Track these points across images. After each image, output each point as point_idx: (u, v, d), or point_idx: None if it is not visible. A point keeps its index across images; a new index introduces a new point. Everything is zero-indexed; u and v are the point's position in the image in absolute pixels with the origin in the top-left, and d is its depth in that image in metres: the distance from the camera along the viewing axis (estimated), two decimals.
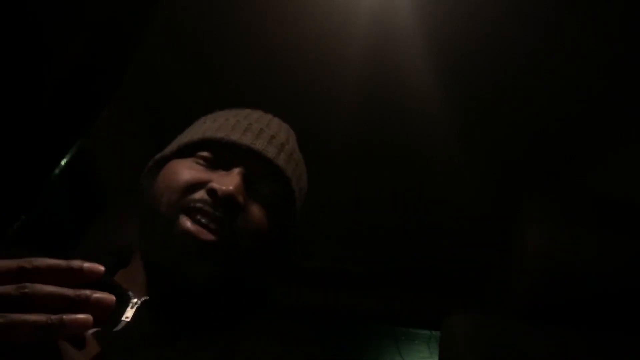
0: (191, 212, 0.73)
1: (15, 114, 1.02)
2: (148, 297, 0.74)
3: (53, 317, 0.47)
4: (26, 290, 0.49)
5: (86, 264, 0.53)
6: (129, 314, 0.71)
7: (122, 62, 1.17)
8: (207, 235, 0.71)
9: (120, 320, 0.70)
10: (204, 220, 0.72)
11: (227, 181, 0.74)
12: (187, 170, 0.77)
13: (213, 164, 0.79)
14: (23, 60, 0.98)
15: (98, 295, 0.51)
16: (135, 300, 0.73)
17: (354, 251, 2.04)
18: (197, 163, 0.79)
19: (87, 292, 0.51)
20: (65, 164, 1.16)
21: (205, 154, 0.79)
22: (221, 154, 0.79)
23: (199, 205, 0.73)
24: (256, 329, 0.78)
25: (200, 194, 0.74)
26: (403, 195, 1.84)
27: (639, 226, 1.05)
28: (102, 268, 0.54)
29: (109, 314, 0.52)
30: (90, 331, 0.53)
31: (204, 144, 0.80)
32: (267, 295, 0.91)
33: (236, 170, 0.77)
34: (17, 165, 1.09)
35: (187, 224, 0.71)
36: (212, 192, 0.73)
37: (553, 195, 1.12)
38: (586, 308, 1.01)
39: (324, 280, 2.01)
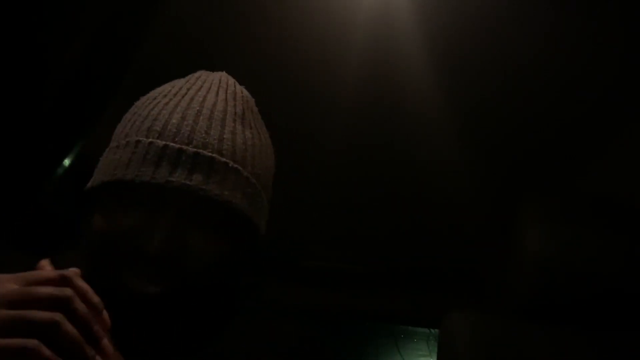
0: (131, 267, 0.66)
1: (16, 116, 1.02)
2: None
3: None
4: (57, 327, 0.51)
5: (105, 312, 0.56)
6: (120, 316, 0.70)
7: (121, 63, 1.17)
8: (152, 288, 0.65)
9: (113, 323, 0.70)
10: (145, 273, 0.66)
11: (153, 231, 0.66)
12: (112, 223, 0.68)
13: (140, 202, 0.68)
14: (24, 63, 0.98)
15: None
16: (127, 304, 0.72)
17: (354, 251, 2.04)
18: (122, 208, 0.68)
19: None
20: (65, 165, 1.16)
21: (127, 196, 0.69)
22: (144, 194, 0.68)
23: (135, 262, 0.66)
24: (254, 331, 0.77)
25: (132, 251, 0.66)
26: (403, 195, 1.84)
27: (639, 226, 1.05)
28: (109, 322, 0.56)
29: None
30: None
31: (120, 185, 0.68)
32: (260, 294, 0.88)
33: (166, 213, 0.67)
34: (18, 167, 1.09)
35: (130, 279, 0.65)
36: (139, 250, 0.66)
37: (553, 195, 1.12)
38: (585, 307, 1.01)
39: (324, 280, 2.01)
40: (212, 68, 0.85)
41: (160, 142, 0.68)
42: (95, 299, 0.55)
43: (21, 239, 1.19)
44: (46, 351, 0.49)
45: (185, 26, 1.40)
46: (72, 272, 0.56)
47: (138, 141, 0.69)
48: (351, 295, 2.03)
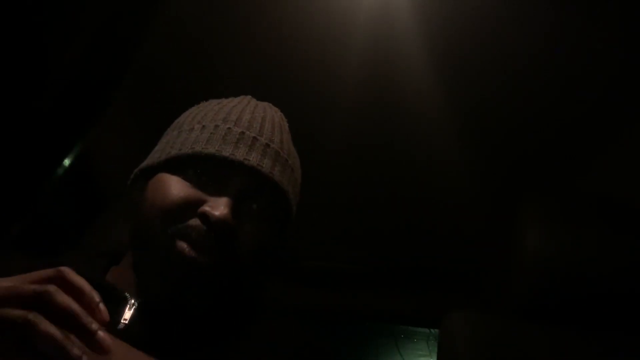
0: (186, 237, 0.70)
1: (16, 116, 1.02)
2: (144, 299, 0.73)
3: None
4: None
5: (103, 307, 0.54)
6: (127, 315, 0.70)
7: (121, 63, 1.17)
8: (205, 259, 0.69)
9: (119, 323, 0.69)
10: (200, 245, 0.70)
11: (220, 204, 0.70)
12: (177, 190, 0.73)
13: (205, 179, 0.74)
14: (24, 62, 0.98)
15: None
16: (132, 301, 0.72)
17: (354, 251, 2.04)
18: (187, 179, 0.74)
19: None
20: (65, 165, 1.16)
21: (195, 169, 0.74)
22: (213, 169, 0.74)
23: (192, 231, 0.70)
24: (257, 330, 0.78)
25: (194, 221, 0.71)
26: (403, 194, 1.84)
27: (639, 226, 1.05)
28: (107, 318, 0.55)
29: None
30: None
31: (194, 158, 0.74)
32: (264, 294, 0.89)
33: (229, 189, 0.73)
34: (18, 167, 1.09)
35: (185, 248, 0.69)
36: (204, 218, 0.70)
37: (553, 195, 1.12)
38: (585, 308, 1.01)
39: (324, 280, 2.01)
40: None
41: (238, 129, 0.76)
42: (91, 292, 0.54)
43: (21, 240, 1.19)
44: (22, 351, 0.49)
45: (185, 26, 1.40)
46: (66, 268, 0.55)
47: (216, 125, 0.76)
48: (351, 295, 2.03)
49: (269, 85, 1.49)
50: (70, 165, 1.20)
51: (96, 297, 0.54)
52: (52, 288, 0.52)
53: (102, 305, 0.54)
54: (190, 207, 0.72)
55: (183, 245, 0.70)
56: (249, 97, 0.87)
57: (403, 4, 1.27)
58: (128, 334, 0.66)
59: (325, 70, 1.46)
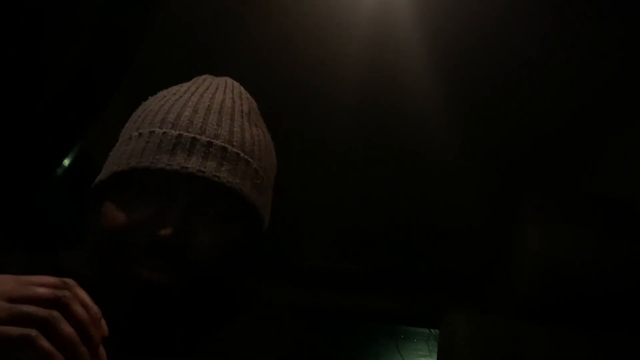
0: (140, 260, 0.67)
1: (16, 116, 1.02)
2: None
3: None
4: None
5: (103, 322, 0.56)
6: (119, 317, 0.70)
7: (121, 63, 1.17)
8: (163, 279, 0.67)
9: (111, 325, 0.69)
10: (154, 265, 0.67)
11: (167, 221, 0.67)
12: (122, 216, 0.69)
13: (151, 194, 0.70)
14: (24, 62, 0.98)
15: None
16: (123, 305, 0.70)
17: (354, 251, 2.04)
18: (133, 197, 0.70)
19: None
20: (65, 165, 1.16)
21: (139, 185, 0.70)
22: (156, 182, 0.69)
23: (145, 252, 0.67)
24: (250, 326, 0.77)
25: (144, 241, 0.68)
26: (403, 195, 1.84)
27: (639, 226, 1.05)
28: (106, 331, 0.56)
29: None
30: None
31: (133, 174, 0.70)
32: (257, 290, 0.88)
33: (177, 201, 0.68)
34: (18, 167, 1.09)
35: (139, 272, 0.67)
36: (154, 239, 0.67)
37: (553, 195, 1.12)
38: (585, 308, 1.01)
39: (324, 280, 2.01)
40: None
41: (174, 132, 0.70)
42: (94, 307, 0.55)
43: (21, 239, 1.19)
44: (44, 342, 0.50)
45: (185, 26, 1.41)
46: (72, 281, 0.56)
47: (152, 132, 0.71)
48: (351, 295, 2.03)
49: (269, 85, 1.49)
50: (70, 163, 1.20)
51: (99, 312, 0.56)
52: (68, 294, 0.53)
53: (103, 321, 0.56)
54: (139, 229, 0.68)
55: (138, 269, 0.67)
56: (202, 77, 0.81)
57: (404, 4, 1.27)
58: (120, 334, 0.67)
59: (325, 71, 1.46)
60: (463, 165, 1.67)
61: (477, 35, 1.32)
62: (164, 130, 0.70)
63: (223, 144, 0.71)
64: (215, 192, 0.70)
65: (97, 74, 1.15)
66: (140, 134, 0.72)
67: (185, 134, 0.70)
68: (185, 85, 0.80)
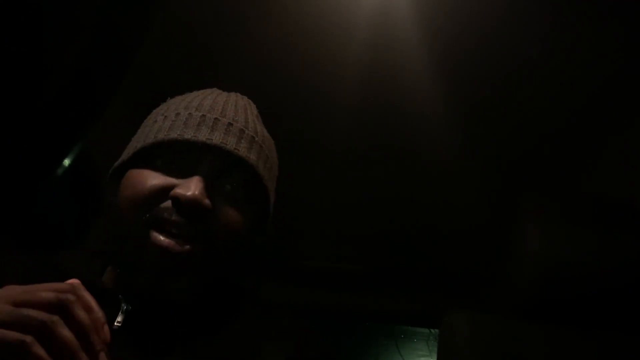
0: (160, 225, 0.70)
1: (16, 116, 1.02)
2: (135, 302, 0.73)
3: None
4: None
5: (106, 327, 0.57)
6: (120, 318, 0.71)
7: (121, 63, 1.17)
8: (181, 247, 0.69)
9: (112, 324, 0.69)
10: (174, 231, 0.69)
11: (190, 185, 0.70)
12: (146, 181, 0.72)
13: (173, 167, 0.74)
14: (24, 62, 0.98)
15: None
16: (124, 307, 0.72)
17: (354, 251, 2.04)
18: (156, 169, 0.74)
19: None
20: (65, 165, 1.16)
21: (162, 157, 0.74)
22: (178, 154, 0.74)
23: (166, 216, 0.70)
24: (251, 326, 0.77)
25: (165, 204, 0.70)
26: (403, 195, 1.84)
27: (638, 226, 1.05)
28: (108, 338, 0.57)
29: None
30: None
31: (158, 147, 0.74)
32: (257, 290, 0.89)
33: (197, 171, 0.73)
34: (18, 167, 1.09)
35: (159, 238, 0.69)
36: (176, 201, 0.70)
37: (553, 195, 1.12)
38: (585, 308, 1.01)
39: (324, 280, 2.01)
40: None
41: (199, 113, 0.76)
42: (98, 312, 0.56)
43: (21, 239, 1.19)
44: (39, 349, 0.51)
45: (185, 26, 1.40)
46: (77, 283, 0.57)
47: (177, 113, 0.77)
48: (351, 295, 2.03)
49: (269, 85, 1.49)
50: (70, 163, 1.20)
51: (102, 317, 0.56)
52: (72, 297, 0.54)
53: (106, 327, 0.56)
54: (161, 193, 0.71)
55: (157, 235, 0.69)
56: (214, 88, 0.86)
57: (403, 4, 1.27)
58: (121, 335, 0.67)
59: (325, 71, 1.46)
60: (463, 166, 1.67)
61: (477, 35, 1.32)
62: (189, 112, 0.77)
63: (241, 127, 0.77)
64: (232, 169, 0.75)
65: (97, 74, 1.15)
66: (165, 117, 0.78)
67: (209, 115, 0.76)
68: (200, 91, 0.85)
